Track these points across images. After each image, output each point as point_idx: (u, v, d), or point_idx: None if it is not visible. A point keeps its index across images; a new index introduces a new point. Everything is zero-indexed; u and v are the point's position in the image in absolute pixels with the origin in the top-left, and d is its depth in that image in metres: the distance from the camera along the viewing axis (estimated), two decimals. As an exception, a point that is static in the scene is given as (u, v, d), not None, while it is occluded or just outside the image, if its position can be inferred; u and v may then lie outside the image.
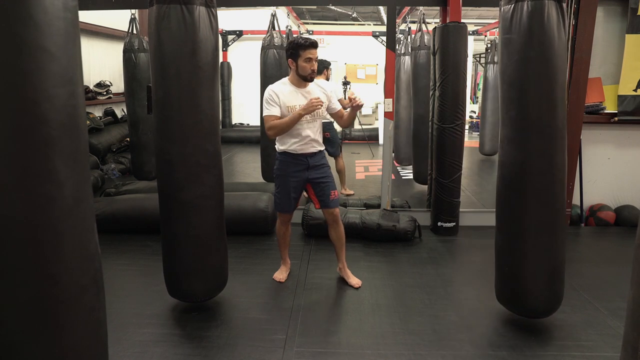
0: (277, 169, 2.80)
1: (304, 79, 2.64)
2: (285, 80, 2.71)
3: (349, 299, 2.77)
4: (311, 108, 2.55)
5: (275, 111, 2.62)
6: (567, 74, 3.77)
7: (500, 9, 2.23)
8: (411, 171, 6.38)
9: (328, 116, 2.94)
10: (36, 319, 1.33)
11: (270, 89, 2.66)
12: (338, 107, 2.81)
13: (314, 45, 2.60)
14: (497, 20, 8.24)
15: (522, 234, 2.25)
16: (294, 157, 2.72)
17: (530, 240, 2.23)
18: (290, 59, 2.62)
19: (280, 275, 2.98)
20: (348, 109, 2.78)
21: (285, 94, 2.64)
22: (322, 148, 2.80)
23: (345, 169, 5.00)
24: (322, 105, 2.59)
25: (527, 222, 2.22)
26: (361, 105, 2.63)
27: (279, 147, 2.76)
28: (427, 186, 4.40)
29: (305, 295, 2.79)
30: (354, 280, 2.89)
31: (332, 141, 4.69)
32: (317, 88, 2.73)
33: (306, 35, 2.68)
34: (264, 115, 2.65)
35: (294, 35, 5.30)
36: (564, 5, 2.11)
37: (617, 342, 2.30)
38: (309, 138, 2.68)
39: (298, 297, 2.76)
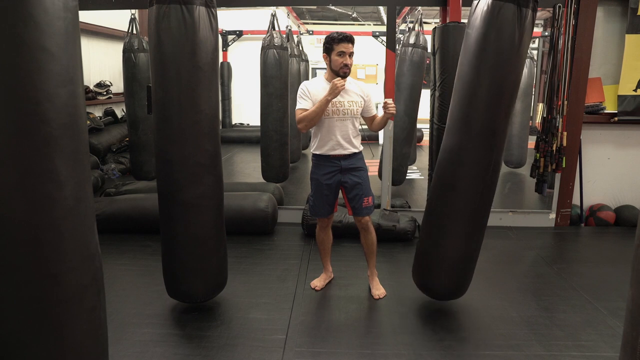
0: (312, 172, 2.70)
1: (336, 74, 2.52)
2: (322, 77, 2.63)
3: (349, 299, 2.77)
4: (336, 91, 2.42)
5: (305, 104, 2.54)
6: (567, 73, 3.77)
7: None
8: (411, 171, 6.39)
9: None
10: (36, 318, 1.33)
11: (303, 84, 2.60)
12: (374, 111, 2.70)
13: (347, 39, 2.49)
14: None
15: (441, 224, 2.38)
16: (326, 159, 2.62)
17: (448, 231, 2.37)
18: (325, 53, 2.55)
19: (318, 282, 2.88)
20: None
21: (319, 90, 2.55)
22: (358, 150, 2.67)
23: None
24: (344, 86, 2.46)
25: (448, 211, 2.35)
26: (392, 114, 2.53)
27: (312, 149, 2.67)
28: (426, 187, 4.39)
29: (305, 295, 2.79)
30: (377, 292, 2.78)
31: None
32: (355, 86, 2.63)
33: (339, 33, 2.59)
34: (295, 109, 2.58)
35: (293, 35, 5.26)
36: (526, 10, 2.05)
37: (617, 342, 2.30)
38: (340, 138, 2.58)
39: (298, 297, 2.76)
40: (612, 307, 2.65)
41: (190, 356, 2.18)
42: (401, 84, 5.02)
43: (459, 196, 2.31)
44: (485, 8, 2.09)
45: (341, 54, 2.49)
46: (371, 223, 2.75)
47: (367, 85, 2.72)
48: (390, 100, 2.53)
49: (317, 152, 2.63)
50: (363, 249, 2.82)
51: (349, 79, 2.57)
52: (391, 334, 2.38)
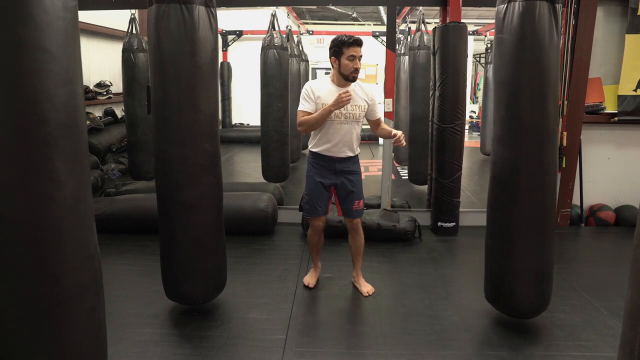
0: (307, 169, 2.70)
1: (345, 79, 2.50)
2: (327, 78, 2.60)
3: (349, 299, 2.77)
4: (341, 103, 2.40)
5: (307, 107, 2.53)
6: (567, 73, 3.77)
7: (497, 7, 2.23)
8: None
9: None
10: (36, 318, 1.33)
11: (308, 84, 2.58)
12: (378, 114, 2.68)
13: (358, 42, 2.46)
14: (497, 20, 8.25)
15: (511, 233, 2.24)
16: (322, 159, 2.62)
17: (519, 241, 2.23)
18: (333, 57, 2.51)
19: (310, 279, 2.89)
20: (386, 126, 2.71)
21: (324, 92, 2.53)
22: (355, 154, 2.65)
23: None
24: (350, 100, 2.43)
25: (517, 222, 2.22)
26: (401, 145, 2.53)
27: (310, 146, 2.67)
28: (427, 186, 4.40)
29: (305, 295, 2.79)
30: (365, 288, 2.80)
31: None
32: (360, 90, 2.59)
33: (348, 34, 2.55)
34: (297, 110, 2.57)
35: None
36: (558, 6, 2.10)
37: (617, 342, 2.29)
38: (337, 141, 2.56)
39: (298, 297, 2.76)
40: (612, 307, 2.65)
41: (190, 356, 2.18)
42: (414, 86, 5.10)
43: (525, 205, 2.20)
44: (520, 10, 2.07)
45: (351, 58, 2.46)
46: (361, 225, 2.78)
47: (371, 87, 2.70)
48: (400, 133, 2.52)
49: (314, 150, 2.63)
50: (350, 250, 2.84)
51: (353, 83, 2.56)
52: (391, 334, 2.38)
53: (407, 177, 5.99)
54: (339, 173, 2.64)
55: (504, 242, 2.27)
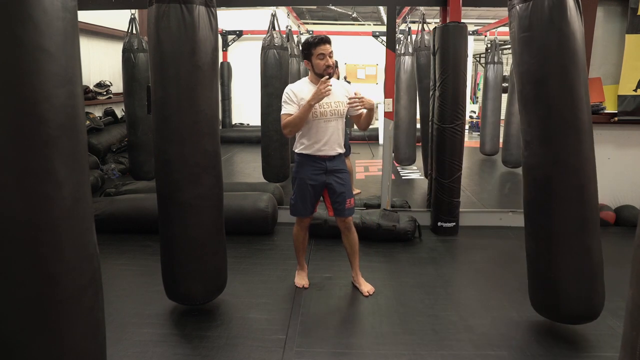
0: (295, 171, 2.70)
1: (321, 77, 2.53)
2: (306, 79, 2.65)
3: (349, 299, 2.76)
4: (319, 95, 2.44)
5: (290, 109, 2.55)
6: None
7: (513, 8, 2.18)
8: (411, 171, 6.39)
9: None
10: (34, 319, 1.33)
11: (288, 87, 2.62)
12: (360, 109, 2.69)
13: (324, 40, 2.53)
14: (497, 20, 8.24)
15: (557, 236, 2.16)
16: (312, 160, 2.62)
17: (566, 242, 2.15)
18: (305, 60, 2.57)
19: (302, 280, 2.89)
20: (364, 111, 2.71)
21: (305, 92, 2.56)
22: (342, 151, 2.69)
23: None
24: (330, 91, 2.47)
25: (562, 224, 2.15)
26: (360, 108, 2.55)
27: (296, 147, 2.68)
28: (427, 186, 4.40)
29: (305, 295, 2.79)
30: (365, 288, 2.80)
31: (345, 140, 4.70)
32: (338, 87, 2.65)
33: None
34: (281, 114, 2.59)
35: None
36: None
37: (617, 342, 2.29)
38: (326, 139, 2.58)
39: (298, 297, 2.76)
40: (612, 307, 2.64)
41: (190, 356, 2.18)
42: (424, 85, 5.12)
43: (578, 206, 2.13)
44: (548, 4, 2.04)
45: (321, 56, 2.53)
46: (352, 223, 2.79)
47: (349, 85, 2.73)
48: (358, 94, 2.54)
49: (305, 152, 2.64)
50: (346, 250, 2.84)
51: (331, 80, 2.58)
52: (391, 334, 2.38)
53: (407, 177, 6.00)
54: (329, 172, 2.65)
55: (551, 246, 2.18)
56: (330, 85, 2.47)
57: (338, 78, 4.60)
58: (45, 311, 1.34)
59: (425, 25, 4.98)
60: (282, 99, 2.59)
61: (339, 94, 2.62)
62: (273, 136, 4.88)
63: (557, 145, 2.13)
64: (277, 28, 4.74)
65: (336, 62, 4.72)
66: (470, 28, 8.91)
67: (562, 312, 2.22)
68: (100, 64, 6.43)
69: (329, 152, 2.62)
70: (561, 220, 2.15)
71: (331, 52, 2.55)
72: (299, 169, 2.68)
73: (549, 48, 2.08)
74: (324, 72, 2.53)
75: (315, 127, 2.58)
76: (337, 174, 2.67)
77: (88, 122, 5.56)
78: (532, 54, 2.13)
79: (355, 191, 4.97)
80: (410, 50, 5.96)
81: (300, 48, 2.59)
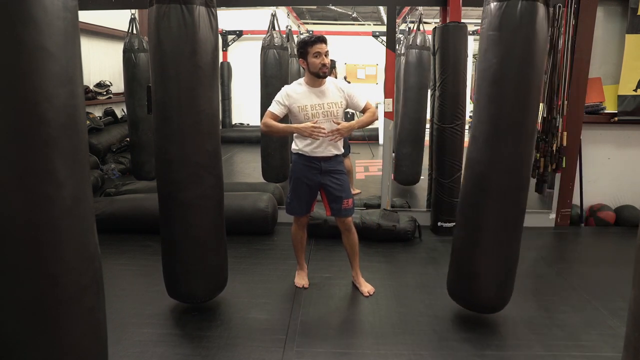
0: (291, 170, 2.71)
1: (316, 76, 2.54)
2: (301, 80, 2.65)
3: (349, 299, 2.77)
4: (306, 132, 2.47)
5: (277, 110, 2.57)
6: (567, 73, 3.77)
7: (488, 5, 2.19)
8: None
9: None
10: (36, 319, 1.33)
11: (284, 88, 2.62)
12: (362, 104, 2.65)
13: (320, 39, 2.53)
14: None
15: (482, 230, 2.28)
16: (307, 160, 2.63)
17: (489, 237, 2.27)
18: (301, 59, 2.57)
19: (302, 280, 2.89)
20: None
21: (299, 93, 2.58)
22: (339, 152, 2.68)
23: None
24: (324, 135, 2.49)
25: (489, 220, 2.26)
26: (337, 137, 2.54)
27: (293, 146, 2.68)
28: (427, 186, 4.39)
29: (305, 295, 2.79)
30: (365, 288, 2.80)
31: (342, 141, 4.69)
32: (334, 88, 2.62)
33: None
34: (268, 109, 2.60)
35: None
36: (549, 8, 2.13)
37: (617, 342, 2.30)
38: (319, 141, 2.57)
39: (298, 297, 2.76)
40: (613, 307, 2.65)
41: (190, 356, 2.18)
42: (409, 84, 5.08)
43: (494, 199, 2.24)
44: (519, 8, 2.06)
45: (317, 55, 2.52)
46: (352, 223, 2.78)
47: (346, 83, 2.71)
48: (341, 126, 2.52)
49: (301, 152, 2.64)
50: (346, 250, 2.83)
51: (327, 79, 2.59)
52: (391, 334, 2.38)
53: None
54: (324, 173, 2.65)
55: (475, 239, 2.31)
56: (324, 132, 2.48)
57: (336, 77, 4.61)
58: (46, 311, 1.34)
59: (420, 26, 4.95)
60: (276, 96, 2.60)
61: (333, 95, 2.60)
62: (273, 136, 4.87)
63: (500, 145, 2.19)
64: (277, 28, 4.73)
65: (333, 62, 4.71)
66: (470, 28, 8.91)
67: (474, 301, 2.40)
68: (101, 64, 6.43)
69: (324, 153, 2.62)
70: (489, 216, 2.26)
71: (327, 51, 2.54)
72: (295, 168, 2.68)
73: (512, 51, 2.11)
74: (319, 71, 2.53)
75: None
76: (333, 174, 2.66)
77: (88, 122, 5.56)
78: (495, 53, 2.16)
79: (355, 191, 4.96)
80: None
81: (296, 47, 2.59)
